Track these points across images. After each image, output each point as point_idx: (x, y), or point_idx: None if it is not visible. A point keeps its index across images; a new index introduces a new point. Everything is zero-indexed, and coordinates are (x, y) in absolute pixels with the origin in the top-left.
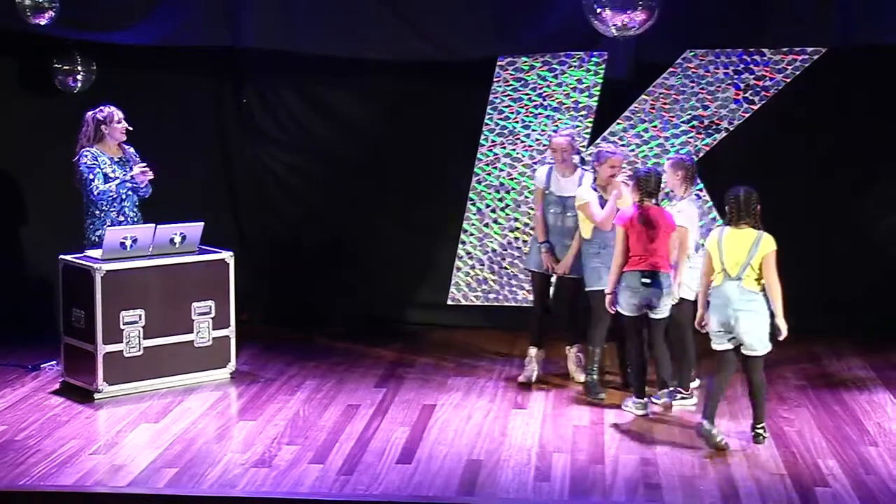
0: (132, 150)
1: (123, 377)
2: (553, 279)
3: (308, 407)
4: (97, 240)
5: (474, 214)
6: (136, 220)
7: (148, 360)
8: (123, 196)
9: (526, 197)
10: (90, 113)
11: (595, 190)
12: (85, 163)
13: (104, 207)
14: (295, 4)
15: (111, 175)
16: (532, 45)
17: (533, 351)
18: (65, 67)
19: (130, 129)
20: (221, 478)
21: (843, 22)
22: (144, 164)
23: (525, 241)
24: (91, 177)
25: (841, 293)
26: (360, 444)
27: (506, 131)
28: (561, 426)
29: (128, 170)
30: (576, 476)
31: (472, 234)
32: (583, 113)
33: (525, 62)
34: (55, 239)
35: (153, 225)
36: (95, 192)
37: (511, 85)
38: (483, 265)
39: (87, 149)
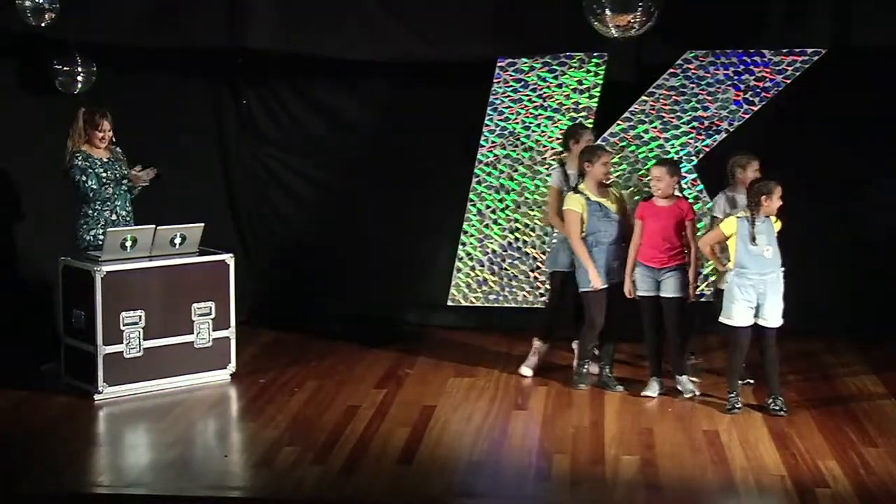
0: (119, 149)
1: (124, 378)
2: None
3: (308, 408)
4: (92, 239)
5: (474, 215)
6: (128, 219)
7: (148, 361)
8: (116, 196)
9: (526, 198)
10: (82, 111)
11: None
12: (77, 165)
13: (97, 207)
14: (294, 6)
15: (103, 176)
16: (531, 47)
17: (538, 343)
18: (65, 69)
19: (113, 139)
20: (222, 479)
21: (843, 22)
22: (144, 168)
23: (525, 241)
24: (84, 178)
25: (840, 293)
26: (360, 444)
27: (506, 132)
28: (561, 427)
29: (118, 168)
30: (576, 477)
31: (472, 235)
32: (583, 114)
33: (525, 63)
34: (55, 239)
35: (153, 226)
36: (90, 193)
37: (511, 86)
38: (483, 266)
39: (78, 151)
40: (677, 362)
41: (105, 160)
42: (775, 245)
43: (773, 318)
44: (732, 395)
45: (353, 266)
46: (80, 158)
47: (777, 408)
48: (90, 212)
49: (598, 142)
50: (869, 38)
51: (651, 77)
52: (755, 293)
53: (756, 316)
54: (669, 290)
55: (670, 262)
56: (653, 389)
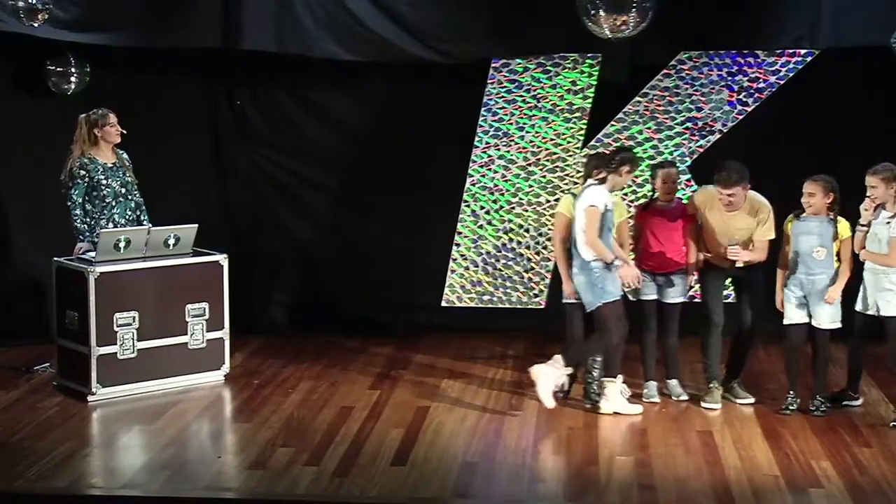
0: (125, 155)
1: (117, 379)
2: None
3: (302, 409)
4: (97, 240)
5: (468, 216)
6: (127, 226)
7: (142, 362)
8: (114, 203)
9: (520, 199)
10: (83, 116)
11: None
12: (72, 171)
13: (94, 214)
14: (288, 6)
15: (103, 181)
16: (526, 48)
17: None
18: (58, 69)
19: (124, 132)
20: (216, 480)
21: (836, 23)
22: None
23: (520, 242)
24: (71, 185)
25: None
26: (354, 445)
27: (500, 133)
28: (555, 428)
29: (121, 175)
30: (570, 478)
31: (466, 236)
32: (577, 115)
33: (519, 64)
34: (49, 241)
35: (147, 227)
36: (69, 203)
37: (505, 87)
38: (477, 267)
39: (79, 157)
40: (673, 367)
41: (110, 165)
42: (830, 247)
43: (820, 318)
44: (790, 395)
45: (348, 267)
46: (76, 164)
47: (813, 409)
48: (87, 217)
49: (591, 142)
50: (862, 39)
51: (645, 78)
52: (802, 291)
53: (808, 316)
54: (674, 294)
55: (675, 265)
56: (655, 393)
